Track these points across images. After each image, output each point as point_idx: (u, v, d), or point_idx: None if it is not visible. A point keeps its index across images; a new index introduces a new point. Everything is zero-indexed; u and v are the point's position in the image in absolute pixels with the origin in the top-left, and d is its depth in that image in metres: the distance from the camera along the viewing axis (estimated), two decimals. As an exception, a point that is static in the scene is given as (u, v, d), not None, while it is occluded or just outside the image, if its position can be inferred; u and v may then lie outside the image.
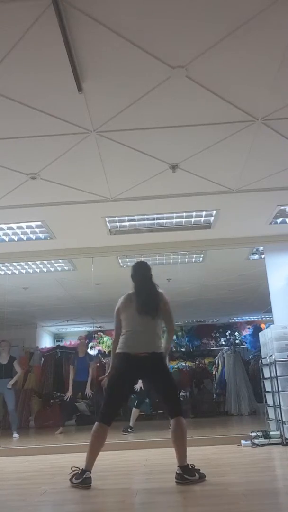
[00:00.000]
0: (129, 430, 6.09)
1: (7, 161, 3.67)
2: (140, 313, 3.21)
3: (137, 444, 5.04)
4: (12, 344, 7.59)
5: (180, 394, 9.40)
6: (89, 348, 10.10)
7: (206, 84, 2.87)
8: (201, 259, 6.36)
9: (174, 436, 3.07)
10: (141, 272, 3.41)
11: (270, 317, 6.98)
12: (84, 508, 2.56)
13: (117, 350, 3.23)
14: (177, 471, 2.99)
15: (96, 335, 10.38)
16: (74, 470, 3.15)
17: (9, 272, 6.58)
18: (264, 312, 9.94)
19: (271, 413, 5.26)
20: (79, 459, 3.18)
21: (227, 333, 11.56)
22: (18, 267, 6.37)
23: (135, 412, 6.33)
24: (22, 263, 6.16)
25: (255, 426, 5.38)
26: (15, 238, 5.31)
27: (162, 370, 3.19)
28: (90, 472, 3.04)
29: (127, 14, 2.31)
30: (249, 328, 11.10)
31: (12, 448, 5.20)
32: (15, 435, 6.44)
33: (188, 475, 2.96)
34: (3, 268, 6.40)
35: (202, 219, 5.10)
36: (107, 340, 9.99)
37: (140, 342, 3.16)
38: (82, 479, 3.01)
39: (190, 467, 3.02)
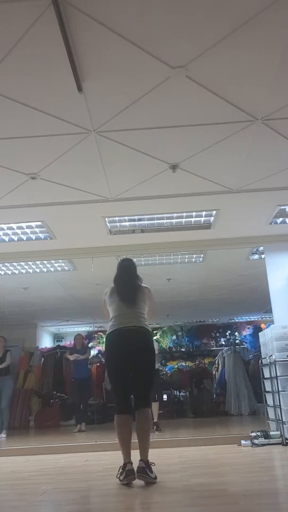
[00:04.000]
0: (159, 427, 6.05)
1: (7, 161, 3.67)
2: (121, 299, 3.30)
3: (137, 444, 5.02)
4: (12, 344, 7.58)
5: (180, 394, 9.42)
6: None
7: (206, 84, 2.87)
8: (201, 259, 6.36)
9: (139, 429, 3.05)
10: (123, 265, 3.51)
11: (270, 317, 6.97)
12: (84, 508, 2.56)
13: (107, 333, 3.30)
14: (140, 465, 2.94)
15: (96, 335, 10.37)
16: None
17: (9, 272, 6.58)
18: (264, 312, 9.94)
19: (271, 413, 5.26)
20: (79, 459, 3.18)
21: (227, 333, 11.56)
22: (18, 267, 6.36)
23: (154, 406, 5.97)
24: (22, 263, 6.15)
25: (255, 426, 5.37)
26: (15, 238, 5.31)
27: (148, 351, 3.18)
28: (131, 464, 3.01)
29: (127, 14, 2.31)
30: (249, 328, 11.09)
31: (12, 448, 5.20)
32: (2, 435, 6.42)
33: (150, 471, 2.95)
34: (3, 268, 6.39)
35: (202, 219, 5.10)
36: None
37: (126, 319, 3.21)
38: (124, 473, 2.98)
39: (151, 464, 3.01)
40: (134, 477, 2.96)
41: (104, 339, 3.36)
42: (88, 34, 2.42)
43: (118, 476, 3.07)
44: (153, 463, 3.06)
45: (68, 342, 10.74)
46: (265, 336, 5.53)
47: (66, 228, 5.13)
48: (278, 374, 4.86)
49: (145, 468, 2.93)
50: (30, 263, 6.19)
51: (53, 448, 5.12)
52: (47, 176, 3.93)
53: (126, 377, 3.19)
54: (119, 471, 3.08)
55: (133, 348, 3.15)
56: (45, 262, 6.16)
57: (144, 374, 3.15)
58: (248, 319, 11.34)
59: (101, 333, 10.45)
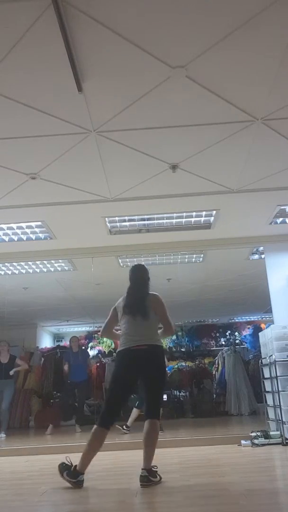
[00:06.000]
0: (125, 428, 5.89)
1: (7, 161, 3.67)
2: (127, 314, 3.29)
3: (137, 444, 5.02)
4: (12, 344, 7.59)
5: (180, 394, 9.42)
6: (89, 348, 10.10)
7: (206, 84, 2.87)
8: (201, 259, 6.36)
9: (147, 438, 3.08)
10: (135, 276, 3.46)
11: (270, 317, 6.98)
12: (84, 508, 2.56)
13: (117, 350, 3.30)
14: (142, 474, 2.99)
15: (96, 335, 10.37)
16: (67, 463, 3.09)
17: (9, 272, 6.58)
18: (264, 312, 9.95)
19: (271, 413, 5.26)
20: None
21: (227, 333, 11.56)
22: (18, 267, 6.37)
23: (135, 412, 6.06)
24: (22, 263, 6.16)
25: (255, 426, 5.38)
26: (15, 238, 5.31)
27: (157, 369, 3.20)
28: (83, 475, 3.02)
29: (127, 14, 2.31)
30: (249, 328, 11.09)
31: (12, 448, 5.20)
32: (2, 435, 6.43)
33: (152, 477, 3.00)
34: (3, 268, 6.40)
35: (202, 219, 5.10)
36: (107, 340, 9.97)
37: (135, 337, 3.20)
38: (76, 481, 2.99)
39: (153, 469, 3.05)
40: (81, 487, 2.98)
41: (115, 355, 3.37)
42: (88, 34, 2.42)
43: (62, 471, 3.03)
44: (155, 466, 3.08)
45: (68, 342, 10.75)
46: (265, 336, 5.53)
47: (66, 228, 5.13)
48: (278, 374, 4.87)
49: (148, 476, 2.98)
50: (30, 263, 6.19)
51: (53, 448, 5.12)
52: (47, 176, 3.93)
53: (123, 397, 3.29)
54: (70, 470, 3.03)
55: (142, 368, 3.18)
56: (45, 262, 6.16)
57: (154, 389, 3.20)
58: (248, 319, 11.34)
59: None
